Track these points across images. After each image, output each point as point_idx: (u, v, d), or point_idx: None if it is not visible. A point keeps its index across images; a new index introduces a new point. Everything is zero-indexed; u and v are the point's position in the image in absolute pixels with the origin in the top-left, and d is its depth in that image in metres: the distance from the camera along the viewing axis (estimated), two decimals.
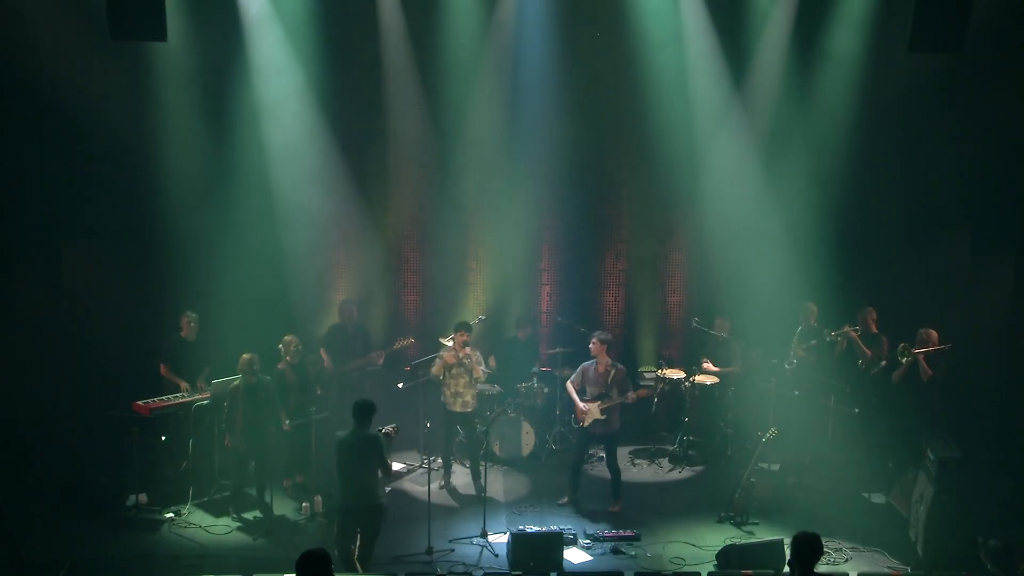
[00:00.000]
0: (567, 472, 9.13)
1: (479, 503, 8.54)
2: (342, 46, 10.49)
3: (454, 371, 9.07)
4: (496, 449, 9.84)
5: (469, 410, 9.17)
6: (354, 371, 10.01)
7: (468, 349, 9.05)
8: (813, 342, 9.78)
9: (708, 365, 10.33)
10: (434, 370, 9.19)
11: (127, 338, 10.03)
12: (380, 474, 7.05)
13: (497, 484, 9.34)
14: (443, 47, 10.50)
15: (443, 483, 9.28)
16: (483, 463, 8.91)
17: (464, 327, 9.10)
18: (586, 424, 8.81)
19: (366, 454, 6.93)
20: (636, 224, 11.48)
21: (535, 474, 9.81)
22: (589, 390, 8.81)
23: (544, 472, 9.86)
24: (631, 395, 8.79)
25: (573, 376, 9.03)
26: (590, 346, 8.86)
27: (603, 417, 8.72)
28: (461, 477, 9.52)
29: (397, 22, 10.39)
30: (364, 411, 7.03)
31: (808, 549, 5.17)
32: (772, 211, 11.03)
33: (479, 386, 9.41)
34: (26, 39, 9.20)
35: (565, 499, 9.03)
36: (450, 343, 9.14)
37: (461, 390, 9.09)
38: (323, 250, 11.08)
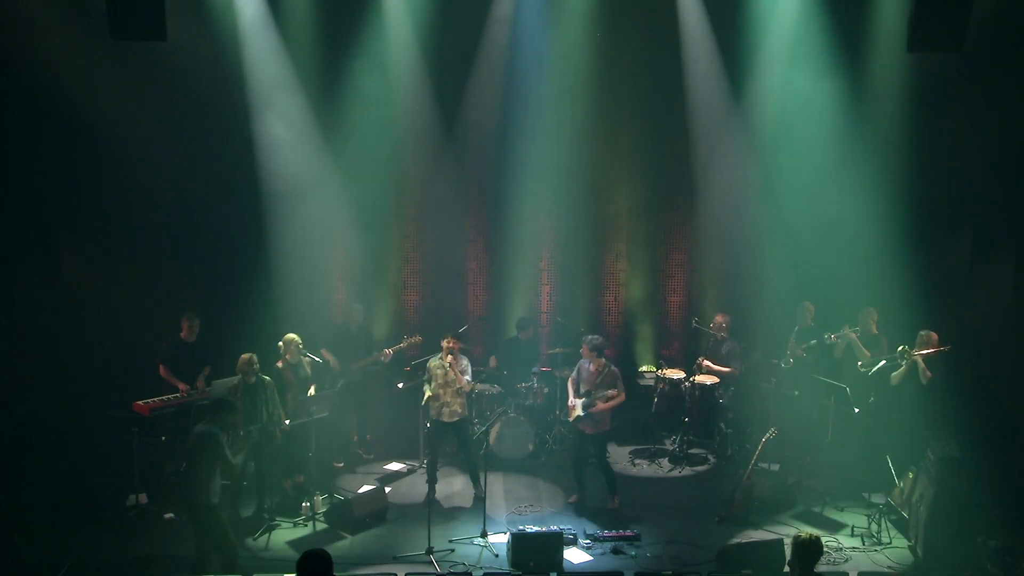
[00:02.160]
0: (572, 471, 9.12)
1: (479, 503, 8.55)
2: (340, 46, 10.47)
3: (440, 381, 8.89)
4: (496, 449, 9.84)
5: (457, 419, 8.93)
6: (357, 371, 9.99)
7: (451, 357, 8.84)
8: (813, 342, 9.79)
9: (708, 363, 10.32)
10: (428, 394, 8.94)
11: (127, 338, 10.03)
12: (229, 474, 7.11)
13: (497, 484, 9.34)
14: (442, 45, 10.50)
15: (431, 497, 8.88)
16: (482, 470, 8.86)
17: (452, 334, 8.96)
18: (571, 419, 8.90)
19: (199, 449, 6.93)
20: (636, 224, 11.48)
21: (535, 474, 9.81)
22: (581, 387, 8.88)
23: (544, 472, 9.86)
24: (599, 404, 8.66)
25: (573, 373, 9.09)
26: (581, 350, 8.92)
27: (583, 414, 8.73)
28: (462, 479, 9.50)
29: (396, 22, 10.37)
30: (211, 407, 7.07)
31: (808, 549, 5.18)
32: (772, 211, 11.04)
33: (478, 387, 9.37)
34: (26, 39, 9.19)
35: (574, 497, 9.05)
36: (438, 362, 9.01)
37: (448, 400, 8.89)
38: (322, 250, 11.07)
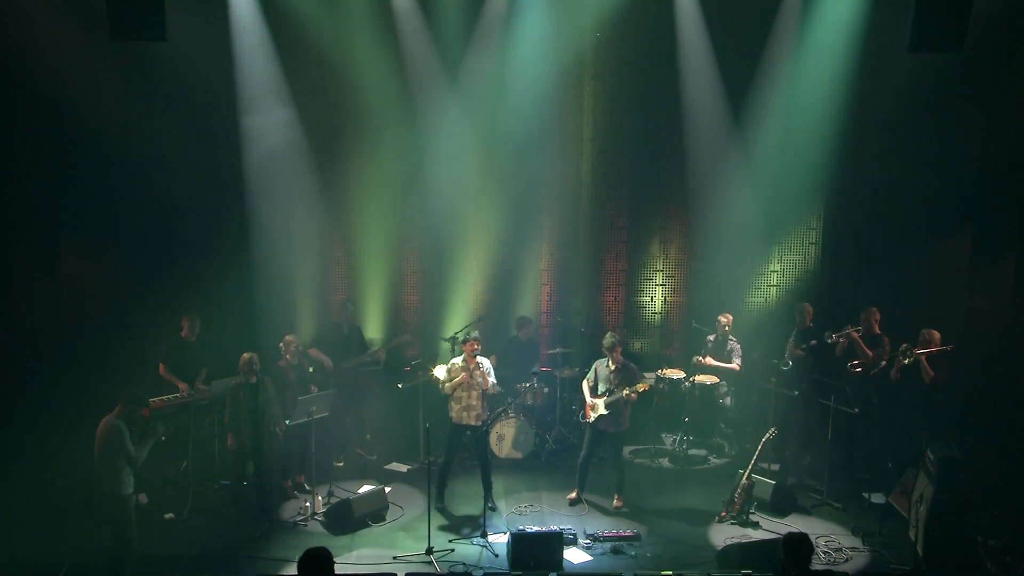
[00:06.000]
0: (577, 469, 9.06)
1: (479, 503, 8.55)
2: (338, 45, 10.47)
3: (465, 384, 8.75)
4: (496, 449, 9.84)
5: (480, 423, 8.80)
6: (349, 370, 9.99)
7: (478, 359, 8.72)
8: (813, 342, 9.78)
9: (710, 360, 10.30)
10: (446, 387, 8.77)
11: (127, 338, 10.02)
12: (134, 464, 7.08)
13: (497, 484, 9.32)
14: (441, 45, 10.50)
15: (441, 504, 8.86)
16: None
17: (475, 338, 8.77)
18: (591, 419, 8.84)
19: (102, 441, 6.96)
20: (636, 224, 11.49)
21: (535, 474, 9.81)
22: (600, 387, 8.86)
23: (544, 472, 9.86)
24: (628, 392, 8.64)
25: (588, 374, 9.05)
26: (612, 351, 8.80)
27: (607, 412, 8.72)
28: (462, 481, 9.49)
29: (392, 22, 10.38)
30: (123, 399, 7.07)
31: (801, 548, 5.17)
32: (773, 211, 11.04)
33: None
34: (26, 39, 9.20)
35: (573, 494, 9.04)
36: (442, 371, 8.97)
37: (474, 403, 8.74)
38: (322, 250, 11.07)
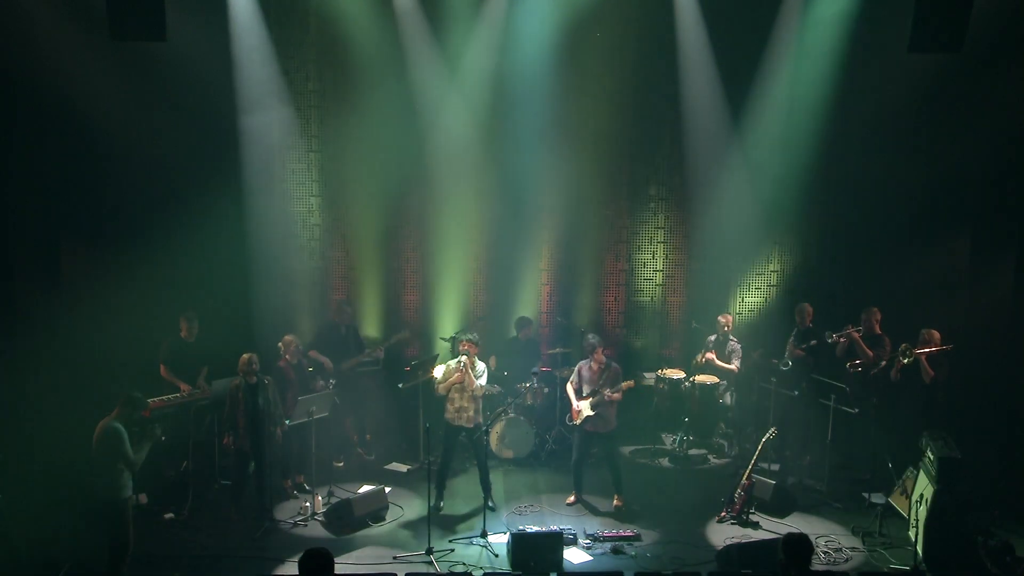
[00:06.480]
0: (572, 472, 9.08)
1: (479, 503, 8.54)
2: (337, 44, 10.47)
3: (456, 385, 8.73)
4: (496, 449, 9.84)
5: (472, 425, 8.75)
6: (348, 370, 9.98)
7: (466, 359, 8.63)
8: (813, 342, 9.79)
9: (713, 356, 10.29)
10: (440, 388, 8.80)
11: (127, 338, 10.01)
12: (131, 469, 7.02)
13: (497, 484, 9.33)
14: (441, 44, 10.51)
15: (440, 505, 8.83)
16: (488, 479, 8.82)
17: (469, 339, 8.74)
18: (578, 422, 8.84)
19: (100, 444, 6.92)
20: (636, 224, 11.49)
21: (535, 474, 9.81)
22: (584, 388, 8.86)
23: (544, 472, 9.86)
24: (610, 392, 8.62)
25: (572, 376, 9.07)
26: (592, 352, 8.83)
27: (593, 413, 8.72)
28: (462, 481, 9.49)
29: (393, 22, 10.39)
30: (120, 402, 7.02)
31: (801, 548, 5.17)
32: (773, 211, 11.04)
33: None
34: (26, 39, 9.19)
35: (571, 498, 9.04)
36: (441, 371, 8.98)
37: (465, 404, 8.74)
38: (321, 249, 11.08)
